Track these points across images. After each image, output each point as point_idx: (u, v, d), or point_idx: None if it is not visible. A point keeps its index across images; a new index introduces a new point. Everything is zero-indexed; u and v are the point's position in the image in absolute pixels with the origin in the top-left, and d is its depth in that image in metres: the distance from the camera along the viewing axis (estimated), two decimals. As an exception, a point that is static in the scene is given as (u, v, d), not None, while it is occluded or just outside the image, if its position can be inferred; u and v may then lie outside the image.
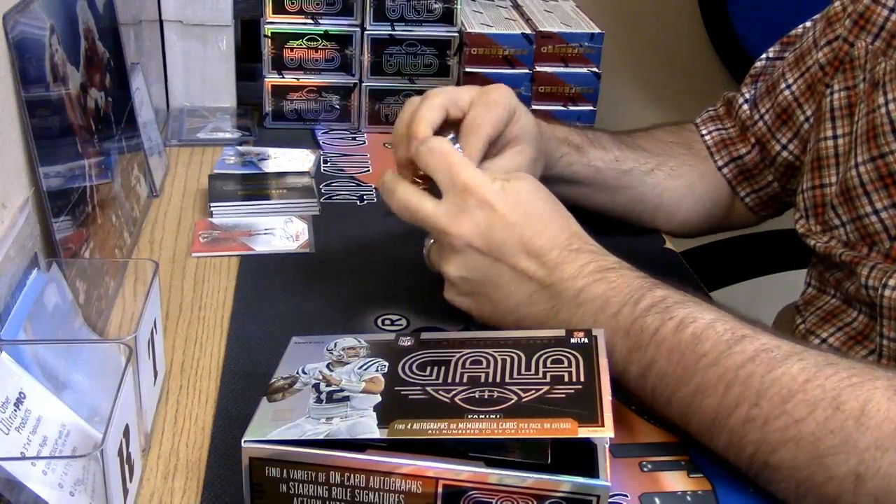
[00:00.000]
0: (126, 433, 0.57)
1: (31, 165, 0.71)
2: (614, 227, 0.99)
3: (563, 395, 0.60)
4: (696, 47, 1.62)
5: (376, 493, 0.57)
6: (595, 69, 1.19)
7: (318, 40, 1.18)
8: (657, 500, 0.65)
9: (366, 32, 1.18)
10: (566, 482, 0.55)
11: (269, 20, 1.17)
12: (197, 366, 0.76)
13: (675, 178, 0.98)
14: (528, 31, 1.18)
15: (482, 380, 0.62)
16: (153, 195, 1.02)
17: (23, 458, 0.53)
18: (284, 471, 0.58)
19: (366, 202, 1.04)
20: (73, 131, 0.78)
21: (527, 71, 1.18)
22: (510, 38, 1.17)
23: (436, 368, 0.63)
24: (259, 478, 0.58)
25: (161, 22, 1.20)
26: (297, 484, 0.58)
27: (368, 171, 1.12)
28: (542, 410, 0.58)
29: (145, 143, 1.01)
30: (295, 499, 0.58)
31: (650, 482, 0.66)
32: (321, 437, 0.57)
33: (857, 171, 0.81)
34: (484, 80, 1.18)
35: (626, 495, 0.65)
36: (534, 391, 0.60)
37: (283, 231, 0.96)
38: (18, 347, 0.59)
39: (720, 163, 1.00)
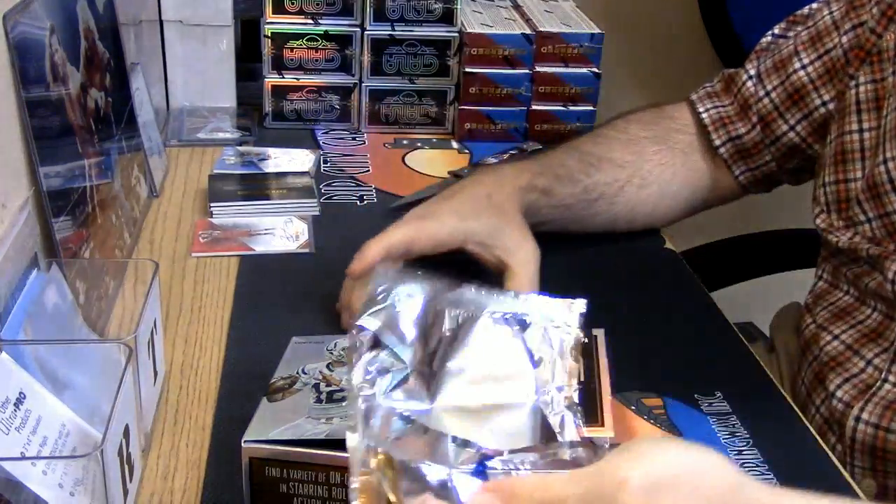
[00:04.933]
0: (126, 433, 0.57)
1: (31, 165, 0.71)
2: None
3: None
4: (696, 47, 1.62)
5: None
6: (595, 69, 1.19)
7: (318, 40, 1.18)
8: (657, 500, 0.64)
9: (366, 32, 1.18)
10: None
11: (269, 20, 1.17)
12: (197, 366, 0.76)
13: (647, 187, 0.97)
14: (528, 31, 1.18)
15: None
16: (153, 195, 1.02)
17: (23, 458, 0.53)
18: (284, 471, 0.57)
19: (366, 202, 1.04)
20: (73, 131, 0.78)
21: (527, 71, 1.18)
22: (510, 38, 1.17)
23: None
24: (259, 478, 0.58)
25: (161, 22, 1.20)
26: (297, 484, 0.58)
27: (368, 171, 1.12)
28: None
29: (145, 143, 1.01)
30: (295, 499, 0.58)
31: (650, 482, 0.66)
32: (321, 436, 0.57)
33: (885, 167, 0.80)
34: (484, 80, 1.18)
35: (626, 495, 0.65)
36: None
37: (283, 231, 0.96)
38: (18, 347, 0.59)
39: (717, 142, 0.98)
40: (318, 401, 0.61)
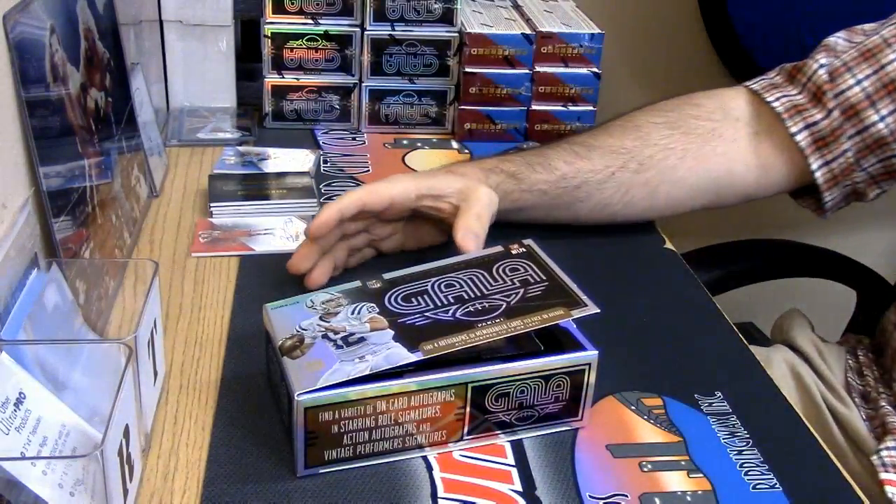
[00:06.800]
0: (126, 433, 0.57)
1: (31, 165, 0.71)
2: (612, 228, 0.99)
3: (540, 292, 0.70)
4: (696, 47, 1.62)
5: (416, 411, 0.65)
6: (595, 69, 1.19)
7: (318, 40, 1.18)
8: (657, 500, 0.65)
9: (366, 32, 1.18)
10: (567, 359, 0.67)
11: (269, 20, 1.17)
12: (197, 366, 0.76)
13: (645, 171, 0.94)
14: (528, 31, 1.18)
15: (466, 297, 0.70)
16: (153, 195, 1.02)
17: (23, 458, 0.53)
18: (336, 412, 0.63)
19: (366, 202, 1.04)
20: (73, 131, 0.78)
21: (527, 71, 1.18)
22: (510, 38, 1.17)
23: (419, 298, 0.70)
24: (313, 425, 0.63)
25: (161, 22, 1.20)
26: (347, 422, 0.64)
27: (368, 171, 1.12)
28: (532, 307, 0.68)
29: (145, 143, 1.01)
30: (345, 436, 0.64)
31: (650, 482, 0.66)
32: (366, 373, 0.63)
33: None
34: (484, 80, 1.18)
35: (626, 495, 0.65)
36: (514, 295, 0.70)
37: (283, 231, 0.96)
38: (18, 347, 0.59)
39: (794, 129, 0.94)
40: (339, 347, 0.66)
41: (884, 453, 0.86)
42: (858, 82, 0.92)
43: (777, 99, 0.95)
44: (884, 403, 0.94)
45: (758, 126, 0.96)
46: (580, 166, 0.93)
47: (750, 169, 0.96)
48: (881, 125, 0.91)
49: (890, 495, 0.82)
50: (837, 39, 0.96)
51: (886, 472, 0.84)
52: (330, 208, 0.82)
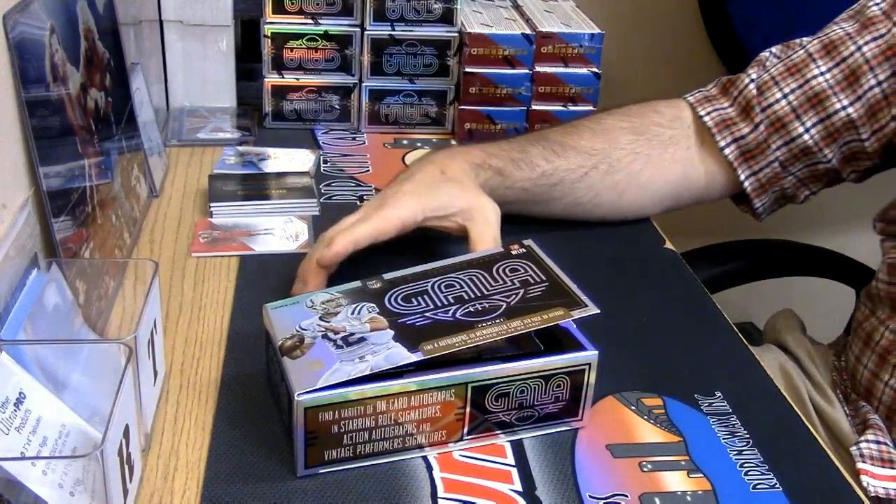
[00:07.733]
0: (126, 433, 0.57)
1: (31, 165, 0.71)
2: (612, 228, 0.99)
3: (540, 293, 0.70)
4: (696, 47, 1.62)
5: (416, 411, 0.65)
6: (595, 69, 1.19)
7: (318, 40, 1.18)
8: (657, 500, 0.65)
9: (366, 32, 1.18)
10: (567, 359, 0.67)
11: (269, 20, 1.17)
12: (197, 366, 0.76)
13: (614, 174, 0.97)
14: (528, 31, 1.18)
15: (466, 297, 0.70)
16: (153, 195, 1.02)
17: (23, 458, 0.53)
18: (336, 412, 0.63)
19: (365, 202, 1.04)
20: (73, 131, 0.78)
21: (527, 71, 1.18)
22: (510, 38, 1.17)
23: (419, 298, 0.70)
24: (313, 425, 0.63)
25: (161, 22, 1.20)
26: (346, 422, 0.63)
27: (368, 171, 1.12)
28: (532, 307, 0.68)
29: (145, 143, 1.01)
30: (345, 436, 0.64)
31: (650, 482, 0.66)
32: (367, 373, 0.63)
33: None
34: (484, 80, 1.18)
35: (626, 495, 0.65)
36: (514, 295, 0.70)
37: (282, 231, 0.96)
38: (18, 347, 0.59)
39: (722, 143, 0.98)
40: (339, 347, 0.65)
41: (862, 445, 0.89)
42: (784, 96, 0.96)
43: (708, 113, 1.00)
44: (863, 403, 0.96)
45: (701, 137, 1.00)
46: (558, 164, 0.95)
47: (700, 175, 1.00)
48: (806, 136, 0.95)
49: (865, 484, 0.86)
50: (769, 54, 1.00)
51: (863, 462, 0.88)
52: (344, 240, 0.81)
